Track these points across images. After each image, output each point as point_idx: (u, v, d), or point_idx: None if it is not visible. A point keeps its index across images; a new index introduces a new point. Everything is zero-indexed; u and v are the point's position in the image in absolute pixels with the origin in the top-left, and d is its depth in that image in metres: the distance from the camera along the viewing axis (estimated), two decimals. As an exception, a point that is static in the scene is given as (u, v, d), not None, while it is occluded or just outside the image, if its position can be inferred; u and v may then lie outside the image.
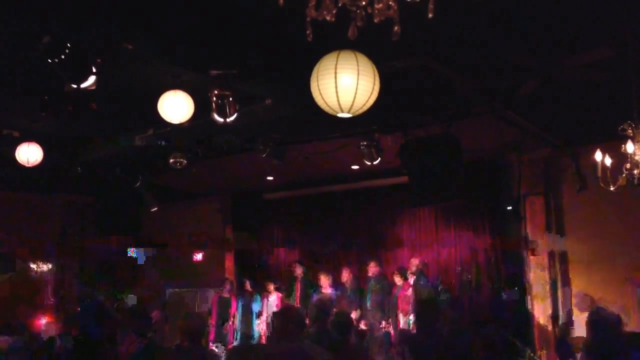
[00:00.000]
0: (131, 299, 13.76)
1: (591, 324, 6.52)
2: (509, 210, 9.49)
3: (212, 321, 11.24)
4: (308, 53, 3.58)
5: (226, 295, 11.53)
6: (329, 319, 5.29)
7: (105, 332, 2.70)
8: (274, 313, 9.45)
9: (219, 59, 5.71)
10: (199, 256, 13.53)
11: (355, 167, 10.04)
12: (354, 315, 9.99)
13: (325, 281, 10.71)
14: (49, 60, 4.78)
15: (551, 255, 9.34)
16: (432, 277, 9.99)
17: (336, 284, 10.97)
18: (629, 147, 5.17)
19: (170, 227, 13.76)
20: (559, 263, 9.36)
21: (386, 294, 10.10)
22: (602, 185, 5.62)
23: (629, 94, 5.33)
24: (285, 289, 11.29)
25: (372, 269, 10.29)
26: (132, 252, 11.14)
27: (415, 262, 9.69)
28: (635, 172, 5.25)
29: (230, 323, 11.29)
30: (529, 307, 9.33)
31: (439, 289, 9.53)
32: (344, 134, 8.09)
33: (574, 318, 8.99)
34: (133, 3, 4.83)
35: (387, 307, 10.03)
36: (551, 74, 6.22)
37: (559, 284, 9.30)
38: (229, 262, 12.79)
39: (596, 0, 4.92)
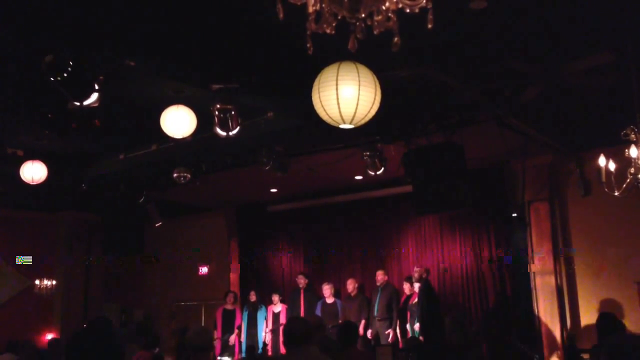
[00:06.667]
0: (138, 314, 13.80)
1: (600, 328, 6.49)
2: (514, 216, 9.46)
3: (218, 334, 11.25)
4: (309, 65, 3.59)
5: (230, 307, 11.54)
6: (321, 333, 5.33)
7: (110, 348, 2.69)
8: (283, 325, 9.45)
9: (220, 73, 5.74)
10: (204, 270, 13.53)
11: (359, 177, 10.04)
12: (360, 325, 9.99)
13: (329, 291, 10.73)
14: (52, 79, 4.81)
15: (557, 260, 9.31)
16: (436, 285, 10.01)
17: (341, 294, 10.98)
18: (633, 151, 5.16)
19: (175, 242, 13.77)
20: (565, 268, 9.33)
21: (394, 302, 10.09)
22: (606, 190, 5.61)
23: (631, 98, 5.33)
24: (290, 300, 11.30)
25: (381, 277, 10.29)
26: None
27: (418, 270, 9.67)
28: (640, 176, 5.23)
29: (236, 335, 11.29)
30: (536, 312, 9.28)
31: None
32: (347, 145, 8.10)
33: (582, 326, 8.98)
34: (134, 20, 4.87)
35: (395, 316, 10.02)
36: (553, 80, 6.22)
37: (565, 289, 9.26)
38: (234, 275, 12.79)
39: (596, 5, 4.94)
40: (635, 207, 8.12)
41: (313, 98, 3.50)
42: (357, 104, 3.45)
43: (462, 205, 7.62)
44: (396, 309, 10.06)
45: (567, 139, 8.57)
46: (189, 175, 8.72)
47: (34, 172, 7.75)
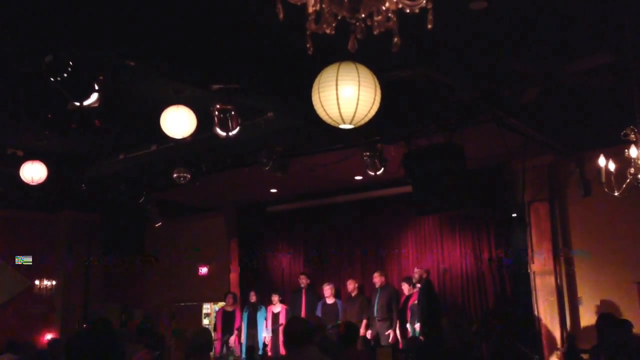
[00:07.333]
0: (138, 314, 13.81)
1: (599, 329, 6.51)
2: (514, 217, 9.47)
3: (218, 335, 11.27)
4: (309, 65, 3.59)
5: (229, 309, 11.55)
6: (321, 334, 5.32)
7: (110, 349, 2.70)
8: (282, 325, 9.43)
9: (220, 73, 5.74)
10: (204, 270, 13.54)
11: (358, 177, 10.04)
12: (362, 325, 10.00)
13: (329, 292, 10.74)
14: (52, 79, 4.81)
15: (557, 260, 9.31)
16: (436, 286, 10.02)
17: (341, 294, 10.99)
18: (633, 151, 5.16)
19: (175, 242, 13.78)
20: (565, 268, 9.33)
21: (394, 303, 10.10)
22: (606, 190, 5.61)
23: (631, 98, 5.33)
24: (291, 300, 11.31)
25: (377, 279, 10.30)
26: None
27: (418, 271, 9.69)
28: (640, 176, 5.23)
29: (236, 336, 11.29)
30: (536, 313, 9.28)
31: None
32: (347, 145, 8.10)
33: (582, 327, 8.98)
34: (134, 20, 4.87)
35: (395, 316, 10.02)
36: (553, 80, 6.22)
37: (565, 289, 9.26)
38: (234, 275, 12.79)
39: (596, 5, 4.94)
40: (635, 207, 8.12)
41: (313, 98, 3.50)
42: (357, 104, 3.45)
43: (462, 206, 7.63)
44: (396, 309, 10.06)
45: (567, 139, 8.57)
46: (188, 176, 8.72)
47: (33, 172, 7.75)
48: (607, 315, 6.82)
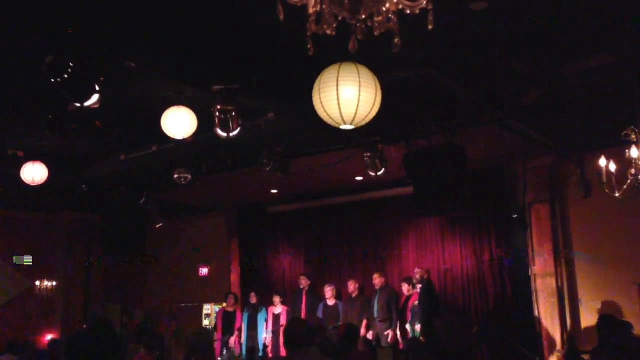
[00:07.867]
0: (138, 314, 13.80)
1: (600, 330, 6.50)
2: (515, 218, 9.46)
3: (218, 335, 11.26)
4: (309, 66, 3.59)
5: (230, 309, 11.54)
6: (321, 335, 5.31)
7: (110, 349, 2.70)
8: (283, 326, 9.42)
9: (221, 74, 5.74)
10: (204, 270, 13.54)
11: (359, 178, 10.04)
12: (362, 325, 9.99)
13: (330, 293, 10.72)
14: (53, 80, 4.81)
15: (558, 261, 9.30)
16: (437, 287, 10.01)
17: (341, 295, 10.98)
18: (633, 152, 5.16)
19: (175, 242, 13.77)
20: (566, 269, 9.32)
21: (393, 303, 10.09)
22: (607, 191, 5.60)
23: (631, 98, 5.33)
24: (292, 301, 11.29)
25: (377, 280, 10.29)
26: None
27: (419, 271, 9.68)
28: (640, 177, 5.23)
29: (236, 337, 11.28)
30: (537, 314, 9.27)
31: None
32: (347, 146, 8.10)
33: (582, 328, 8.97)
34: (135, 21, 4.87)
35: (395, 317, 10.01)
36: (553, 81, 6.22)
37: (566, 291, 9.25)
38: (235, 276, 12.78)
39: (596, 6, 4.94)
40: (636, 208, 8.11)
41: (313, 99, 3.50)
42: (358, 105, 3.45)
43: (463, 207, 7.62)
44: (395, 310, 10.04)
45: (568, 140, 8.56)
46: (189, 176, 8.72)
47: (34, 173, 7.74)
48: (608, 317, 6.81)
